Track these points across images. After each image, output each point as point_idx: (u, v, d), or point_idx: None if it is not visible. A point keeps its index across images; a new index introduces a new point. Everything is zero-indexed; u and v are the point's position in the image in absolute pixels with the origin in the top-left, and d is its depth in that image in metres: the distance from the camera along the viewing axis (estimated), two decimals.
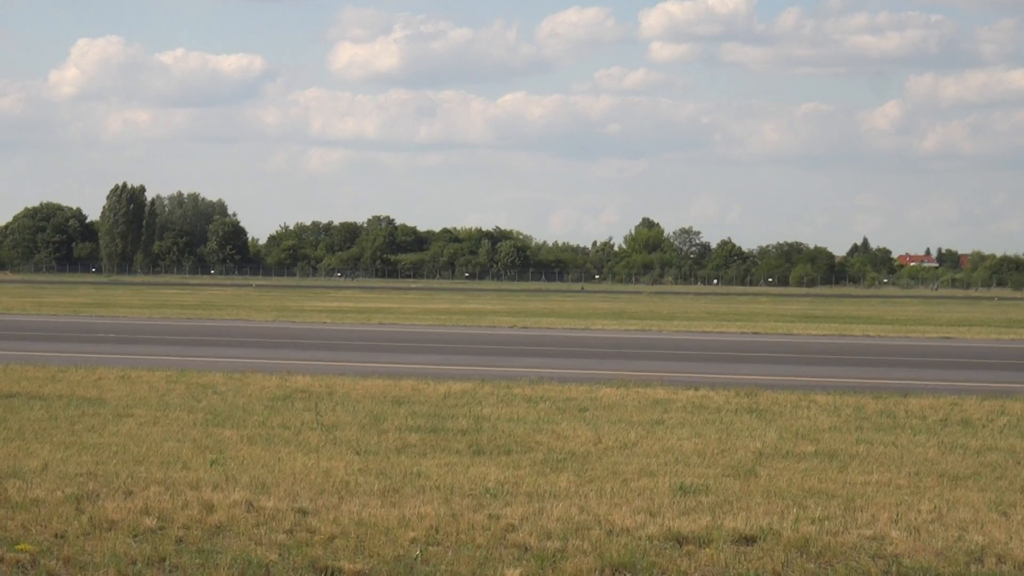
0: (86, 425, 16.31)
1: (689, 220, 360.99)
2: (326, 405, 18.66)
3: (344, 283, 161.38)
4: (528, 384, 21.87)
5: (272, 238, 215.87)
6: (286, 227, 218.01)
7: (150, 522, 10.67)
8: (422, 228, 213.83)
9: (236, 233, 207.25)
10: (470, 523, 10.84)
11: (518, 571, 9.57)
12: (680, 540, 10.42)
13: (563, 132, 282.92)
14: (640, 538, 10.47)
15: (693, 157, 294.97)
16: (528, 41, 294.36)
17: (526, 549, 10.13)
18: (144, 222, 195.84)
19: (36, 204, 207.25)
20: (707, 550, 10.14)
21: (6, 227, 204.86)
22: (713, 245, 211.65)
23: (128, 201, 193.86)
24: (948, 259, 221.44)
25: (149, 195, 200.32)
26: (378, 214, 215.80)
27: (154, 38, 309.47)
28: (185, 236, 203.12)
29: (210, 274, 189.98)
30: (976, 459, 14.89)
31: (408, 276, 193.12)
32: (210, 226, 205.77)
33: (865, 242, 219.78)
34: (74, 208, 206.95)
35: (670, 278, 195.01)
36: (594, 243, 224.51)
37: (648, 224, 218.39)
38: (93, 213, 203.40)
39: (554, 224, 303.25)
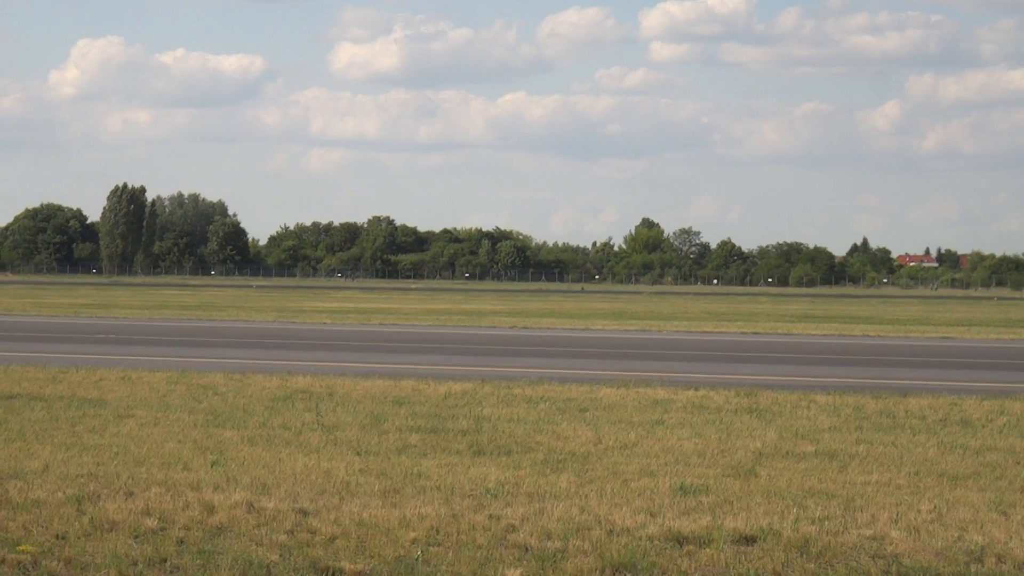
0: (87, 426, 16.33)
1: (689, 220, 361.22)
2: (327, 406, 18.68)
3: (344, 283, 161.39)
4: (528, 384, 21.89)
5: (272, 239, 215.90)
6: (286, 227, 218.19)
7: (151, 523, 10.69)
8: (422, 228, 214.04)
9: (236, 234, 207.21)
10: (471, 523, 10.86)
11: (519, 571, 9.58)
12: (680, 540, 10.44)
13: (563, 132, 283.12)
14: (640, 538, 10.48)
15: (693, 157, 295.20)
16: (528, 41, 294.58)
17: (527, 549, 10.15)
18: (144, 223, 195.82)
19: (36, 205, 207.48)
20: (707, 550, 10.16)
21: (6, 228, 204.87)
22: (713, 245, 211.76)
23: (128, 202, 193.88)
24: (948, 259, 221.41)
25: (149, 196, 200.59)
26: (378, 214, 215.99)
27: (154, 38, 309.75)
28: (185, 237, 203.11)
29: (210, 275, 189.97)
30: (976, 459, 14.91)
31: (408, 276, 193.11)
32: (210, 227, 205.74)
33: (865, 242, 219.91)
34: (74, 209, 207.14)
35: (670, 278, 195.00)
36: (594, 243, 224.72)
37: (648, 224, 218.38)
38: (93, 214, 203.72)
39: (554, 224, 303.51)
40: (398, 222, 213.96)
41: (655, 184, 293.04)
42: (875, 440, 16.21)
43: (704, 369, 27.45)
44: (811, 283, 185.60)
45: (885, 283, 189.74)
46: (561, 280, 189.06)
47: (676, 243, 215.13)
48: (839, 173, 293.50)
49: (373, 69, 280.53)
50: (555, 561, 9.84)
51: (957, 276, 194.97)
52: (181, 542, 10.22)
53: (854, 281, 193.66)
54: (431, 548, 10.13)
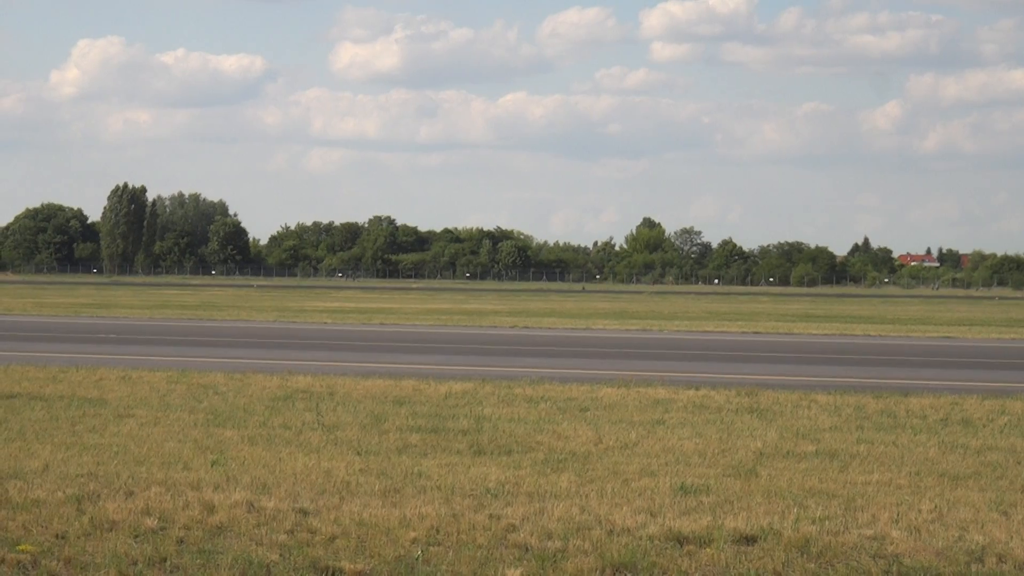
0: (87, 426, 16.32)
1: (690, 220, 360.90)
2: (327, 405, 18.67)
3: (345, 283, 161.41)
4: (529, 384, 21.88)
5: (273, 238, 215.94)
6: (287, 227, 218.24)
7: (151, 523, 10.68)
8: (423, 228, 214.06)
9: (237, 233, 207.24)
10: (471, 523, 10.85)
11: (519, 571, 9.57)
12: (681, 540, 10.43)
13: (564, 132, 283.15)
14: (641, 538, 10.47)
15: (694, 157, 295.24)
16: (529, 41, 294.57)
17: (527, 549, 10.14)
18: (145, 222, 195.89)
19: (37, 205, 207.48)
20: (708, 550, 10.15)
21: (7, 228, 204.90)
22: (714, 245, 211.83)
23: (129, 201, 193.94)
24: (949, 259, 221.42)
25: (150, 195, 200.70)
26: (379, 214, 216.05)
27: (155, 38, 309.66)
28: (186, 236, 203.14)
29: (211, 274, 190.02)
30: (977, 459, 14.90)
31: (409, 276, 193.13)
32: (211, 226, 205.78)
33: (866, 242, 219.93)
34: (75, 209, 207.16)
35: (671, 278, 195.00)
36: (595, 243, 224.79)
37: (649, 224, 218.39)
38: (94, 214, 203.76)
39: (555, 224, 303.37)
40: (399, 222, 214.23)
41: (656, 184, 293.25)
42: (876, 440, 16.20)
43: (705, 369, 27.44)
44: (812, 283, 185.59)
45: (886, 283, 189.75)
46: (562, 280, 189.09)
47: (677, 243, 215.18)
48: (840, 173, 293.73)
49: (374, 69, 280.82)
50: (555, 561, 9.83)
51: (958, 276, 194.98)
52: (181, 542, 10.21)
53: (855, 281, 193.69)
54: (431, 548, 10.13)
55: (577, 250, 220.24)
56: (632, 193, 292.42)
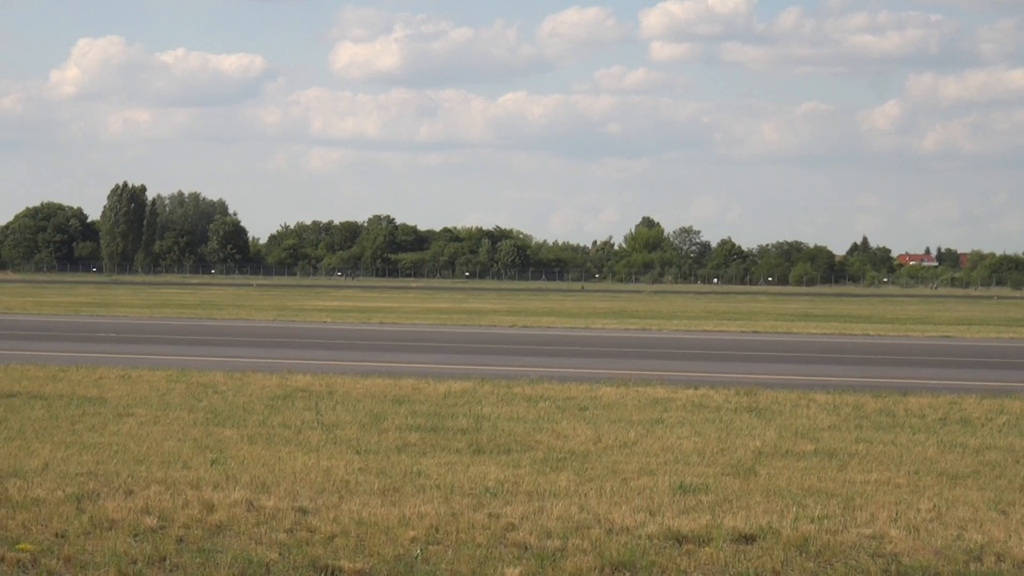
0: (87, 424, 16.33)
1: (689, 219, 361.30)
2: (326, 404, 18.68)
3: (345, 282, 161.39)
4: (528, 383, 21.89)
5: (273, 237, 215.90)
6: (287, 227, 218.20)
7: (151, 521, 10.69)
8: (422, 227, 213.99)
9: (237, 232, 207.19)
10: (470, 522, 10.86)
11: (518, 570, 9.59)
12: (680, 539, 10.44)
13: (563, 132, 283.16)
14: (640, 537, 10.48)
15: (693, 156, 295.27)
16: (528, 41, 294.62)
17: (526, 548, 10.15)
18: (145, 222, 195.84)
19: (37, 204, 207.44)
20: (707, 549, 10.16)
21: (7, 227, 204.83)
22: (713, 244, 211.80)
23: (129, 201, 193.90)
24: (948, 258, 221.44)
25: (150, 195, 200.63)
26: (378, 213, 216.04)
27: (155, 38, 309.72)
28: (186, 236, 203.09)
29: (211, 274, 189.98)
30: (975, 458, 14.91)
31: (408, 275, 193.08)
32: (211, 226, 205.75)
33: (865, 241, 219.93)
34: (75, 208, 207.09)
35: (670, 277, 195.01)
36: (594, 242, 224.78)
37: (648, 223, 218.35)
38: (94, 213, 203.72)
39: (554, 223, 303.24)
40: (398, 221, 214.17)
41: (655, 183, 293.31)
42: (875, 439, 16.21)
43: (704, 368, 27.45)
44: (811, 282, 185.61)
45: (885, 282, 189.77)
46: (561, 279, 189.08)
47: (676, 242, 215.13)
48: (839, 172, 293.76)
49: (373, 69, 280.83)
50: (554, 560, 9.84)
51: (957, 275, 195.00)
52: (181, 540, 10.22)
53: (854, 280, 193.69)
54: (430, 547, 10.14)
55: (576, 249, 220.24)
56: (631, 193, 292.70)
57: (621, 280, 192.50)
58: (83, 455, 13.93)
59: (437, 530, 10.60)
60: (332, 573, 9.51)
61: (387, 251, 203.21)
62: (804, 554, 10.13)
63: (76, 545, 10.02)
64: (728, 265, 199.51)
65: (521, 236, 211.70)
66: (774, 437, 16.17)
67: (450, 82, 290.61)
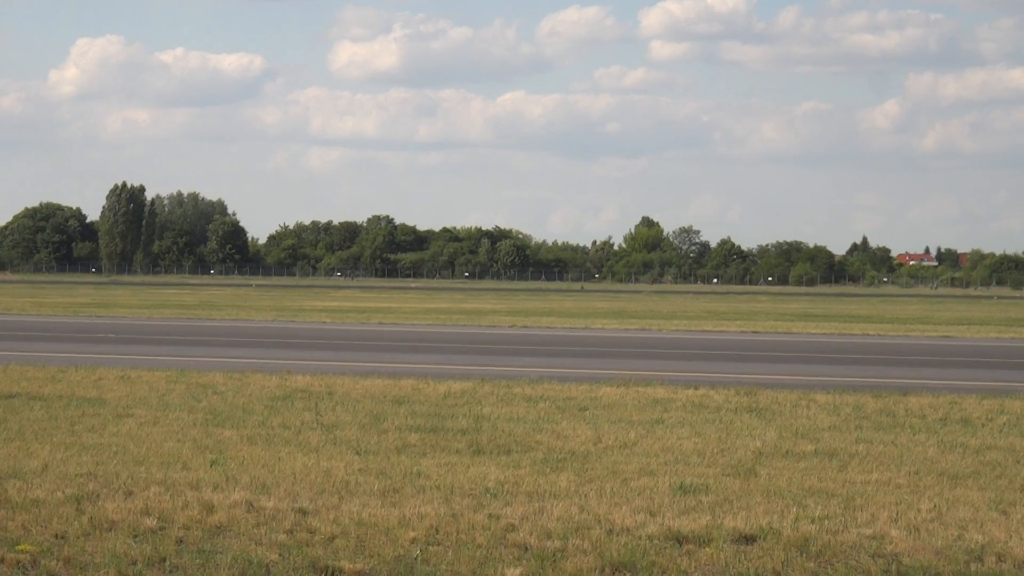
0: (86, 425, 16.32)
1: (689, 219, 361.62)
2: (326, 405, 18.67)
3: (344, 283, 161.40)
4: (528, 383, 21.88)
5: (272, 238, 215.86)
6: (286, 227, 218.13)
7: (150, 522, 10.68)
8: (422, 227, 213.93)
9: (236, 233, 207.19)
10: (470, 523, 10.85)
11: (518, 570, 9.57)
12: (680, 539, 10.43)
13: (563, 131, 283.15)
14: (640, 537, 10.47)
15: (693, 156, 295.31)
16: (528, 40, 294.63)
17: (526, 549, 10.14)
18: (144, 222, 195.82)
19: (36, 204, 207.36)
20: (707, 549, 10.15)
21: (6, 227, 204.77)
22: (713, 244, 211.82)
23: (128, 201, 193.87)
24: (948, 258, 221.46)
25: (149, 195, 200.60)
26: (378, 213, 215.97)
27: (154, 37, 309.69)
28: (185, 236, 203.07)
29: (210, 274, 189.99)
30: (976, 458, 14.90)
31: (408, 275, 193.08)
32: (210, 226, 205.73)
33: (865, 241, 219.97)
34: (74, 208, 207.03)
35: (670, 277, 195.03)
36: (594, 242, 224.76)
37: (648, 223, 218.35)
38: (93, 213, 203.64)
39: (554, 223, 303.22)
40: (398, 221, 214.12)
41: (655, 183, 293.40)
42: (875, 439, 16.20)
43: (704, 368, 27.44)
44: (811, 282, 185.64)
45: (885, 282, 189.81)
46: (561, 279, 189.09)
47: (676, 242, 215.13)
48: (839, 172, 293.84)
49: (373, 68, 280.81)
50: (555, 560, 9.83)
51: (957, 275, 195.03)
52: (180, 541, 10.21)
53: (854, 280, 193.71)
54: (430, 547, 10.13)
55: (576, 249, 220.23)
56: (631, 192, 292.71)
57: (621, 280, 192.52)
58: (82, 456, 13.92)
59: (437, 531, 10.59)
60: (332, 574, 9.50)
61: (386, 251, 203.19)
62: (804, 554, 10.12)
63: (76, 546, 10.00)
64: (728, 265, 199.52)
65: (521, 236, 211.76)
66: (774, 437, 16.16)
67: (449, 82, 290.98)
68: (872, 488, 12.89)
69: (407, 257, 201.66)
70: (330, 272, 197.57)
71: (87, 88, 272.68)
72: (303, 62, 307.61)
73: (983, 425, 17.76)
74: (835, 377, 25.29)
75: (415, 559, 9.79)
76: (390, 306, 68.36)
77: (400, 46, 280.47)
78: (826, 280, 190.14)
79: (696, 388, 21.50)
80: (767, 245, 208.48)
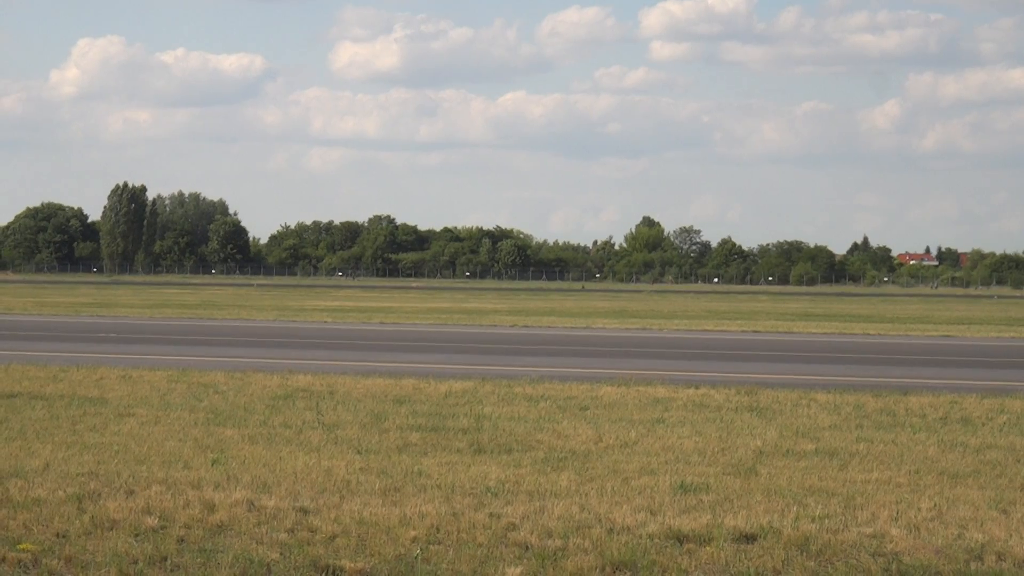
0: (88, 425, 16.34)
1: (689, 219, 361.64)
2: (327, 404, 18.69)
3: (345, 282, 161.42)
4: (529, 383, 21.89)
5: (273, 237, 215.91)
6: (287, 226, 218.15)
7: (152, 521, 10.69)
8: (423, 227, 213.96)
9: (237, 233, 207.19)
10: (471, 522, 10.86)
11: (519, 569, 9.59)
12: (681, 538, 10.44)
13: (563, 131, 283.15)
14: (641, 536, 10.49)
15: (693, 156, 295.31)
16: (528, 40, 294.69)
17: (527, 548, 10.15)
18: (145, 222, 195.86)
19: (37, 204, 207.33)
20: (708, 548, 10.17)
21: (7, 227, 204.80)
22: (713, 244, 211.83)
23: (129, 201, 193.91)
24: (948, 257, 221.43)
25: (150, 195, 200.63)
26: (379, 213, 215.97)
27: (155, 38, 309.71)
28: (186, 236, 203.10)
29: (211, 274, 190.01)
30: (976, 457, 14.91)
31: (409, 275, 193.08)
32: (211, 226, 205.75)
33: (865, 241, 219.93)
34: (75, 208, 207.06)
35: (670, 277, 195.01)
36: (595, 242, 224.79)
37: (649, 223, 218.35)
38: (94, 213, 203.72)
39: (555, 223, 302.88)
40: (399, 221, 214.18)
41: (655, 183, 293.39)
42: (875, 438, 16.21)
43: (704, 367, 27.45)
44: (811, 282, 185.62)
45: (885, 281, 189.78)
46: (562, 279, 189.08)
47: (677, 242, 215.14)
48: (839, 172, 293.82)
49: (373, 68, 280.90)
50: (555, 559, 9.85)
51: (957, 275, 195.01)
52: (182, 540, 10.23)
53: (854, 280, 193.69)
54: (431, 546, 10.14)
55: (577, 249, 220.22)
56: (632, 192, 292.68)
57: (621, 280, 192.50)
58: (84, 455, 13.94)
59: (438, 530, 10.61)
60: (333, 573, 9.52)
61: (387, 251, 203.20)
62: (805, 553, 10.14)
63: (77, 545, 10.02)
64: (728, 265, 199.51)
65: (521, 236, 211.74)
66: (775, 436, 16.17)
67: (450, 82, 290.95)
68: (872, 487, 12.90)
69: (408, 257, 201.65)
70: (331, 272, 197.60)
71: (88, 88, 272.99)
72: (304, 62, 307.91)
73: (983, 424, 17.78)
74: (835, 376, 25.30)
75: (416, 558, 9.80)
76: (391, 306, 68.38)
77: (401, 46, 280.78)
78: (827, 280, 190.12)
79: (697, 387, 21.51)
80: (768, 245, 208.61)
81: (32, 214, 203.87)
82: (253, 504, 11.37)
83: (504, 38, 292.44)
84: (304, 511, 11.18)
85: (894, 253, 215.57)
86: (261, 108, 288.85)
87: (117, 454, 14.05)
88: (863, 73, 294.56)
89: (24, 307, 58.23)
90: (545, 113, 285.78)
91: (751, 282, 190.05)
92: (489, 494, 12.11)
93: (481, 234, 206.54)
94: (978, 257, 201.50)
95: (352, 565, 9.58)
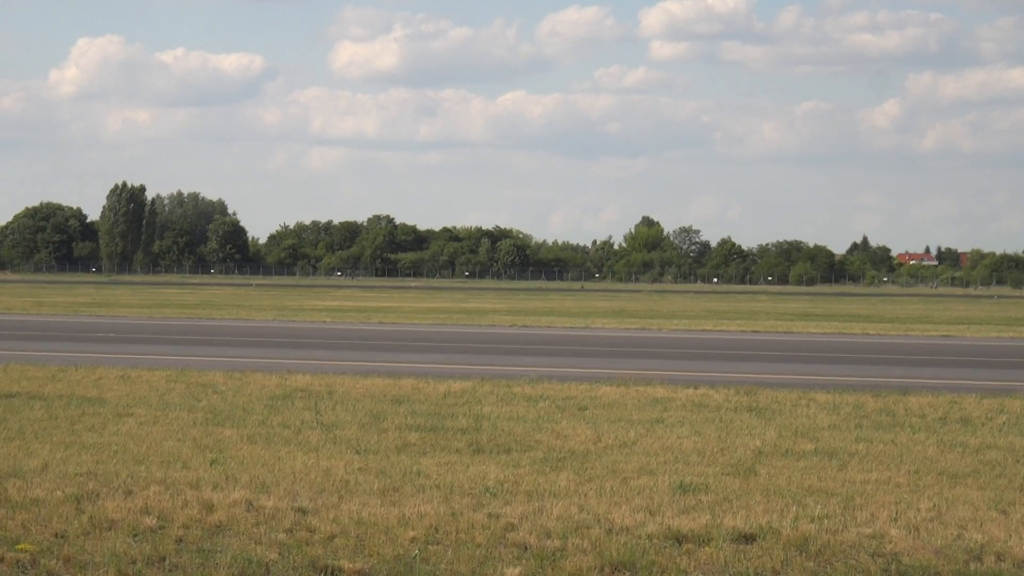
0: (86, 425, 16.32)
1: (689, 219, 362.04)
2: (326, 404, 18.68)
3: (344, 282, 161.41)
4: (528, 383, 21.88)
5: (272, 237, 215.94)
6: (286, 226, 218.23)
7: (150, 521, 10.68)
8: (422, 227, 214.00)
9: (236, 232, 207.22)
10: (470, 522, 10.85)
11: (518, 570, 9.58)
12: (680, 539, 10.43)
13: (563, 131, 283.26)
14: (640, 537, 10.48)
15: (693, 156, 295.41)
16: (528, 40, 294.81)
17: (526, 548, 10.14)
18: (144, 221, 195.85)
19: (36, 204, 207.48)
20: (707, 548, 10.16)
21: (6, 227, 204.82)
22: (713, 244, 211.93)
23: (128, 201, 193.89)
24: (948, 257, 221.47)
25: (149, 194, 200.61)
26: (378, 213, 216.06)
27: (154, 37, 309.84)
28: (185, 235, 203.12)
29: (210, 273, 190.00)
30: (975, 457, 14.90)
31: (408, 275, 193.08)
32: (210, 225, 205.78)
33: (865, 240, 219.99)
34: (74, 208, 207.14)
35: (670, 277, 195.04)
36: (594, 242, 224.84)
37: (648, 223, 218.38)
38: (93, 213, 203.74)
39: (554, 223, 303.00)
40: (398, 221, 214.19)
41: (655, 183, 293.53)
42: (875, 438, 16.20)
43: (704, 367, 27.45)
44: (811, 281, 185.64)
45: (885, 281, 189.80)
46: (561, 278, 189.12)
47: (676, 242, 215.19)
48: (839, 172, 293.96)
49: (373, 68, 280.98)
50: (554, 560, 9.84)
51: (957, 274, 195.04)
52: (180, 540, 10.22)
53: (854, 279, 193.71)
54: (430, 547, 10.13)
55: (576, 249, 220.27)
56: (631, 192, 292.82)
57: (621, 279, 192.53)
58: (82, 455, 13.92)
59: (437, 530, 10.60)
60: (332, 573, 9.50)
61: (387, 251, 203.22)
62: (804, 554, 10.13)
63: (76, 545, 10.01)
64: (728, 264, 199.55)
65: (521, 236, 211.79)
66: (774, 436, 16.16)
67: (449, 81, 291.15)
68: (872, 487, 12.89)
69: (407, 257, 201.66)
70: (330, 272, 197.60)
71: (87, 88, 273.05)
72: (303, 62, 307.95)
73: (983, 424, 17.77)
74: (835, 376, 25.29)
75: (414, 558, 9.79)
76: (390, 305, 68.37)
77: (400, 46, 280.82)
78: (826, 280, 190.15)
79: (696, 387, 21.51)
80: (767, 245, 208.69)
81: (31, 214, 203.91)
82: (252, 504, 11.36)
83: (504, 38, 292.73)
84: (303, 511, 11.17)
85: (894, 253, 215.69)
86: (260, 108, 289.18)
87: (116, 454, 14.04)
88: (863, 73, 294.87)
89: (23, 307, 58.22)
90: (545, 113, 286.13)
91: (750, 282, 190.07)
92: (488, 494, 12.10)
93: (480, 234, 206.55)
94: (978, 257, 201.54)
95: (351, 565, 9.57)
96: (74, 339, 34.68)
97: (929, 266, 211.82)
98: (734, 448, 15.22)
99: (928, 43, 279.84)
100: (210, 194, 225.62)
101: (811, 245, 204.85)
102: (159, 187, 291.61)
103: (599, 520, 11.01)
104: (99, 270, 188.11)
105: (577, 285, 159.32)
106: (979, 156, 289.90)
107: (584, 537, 10.44)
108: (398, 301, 78.21)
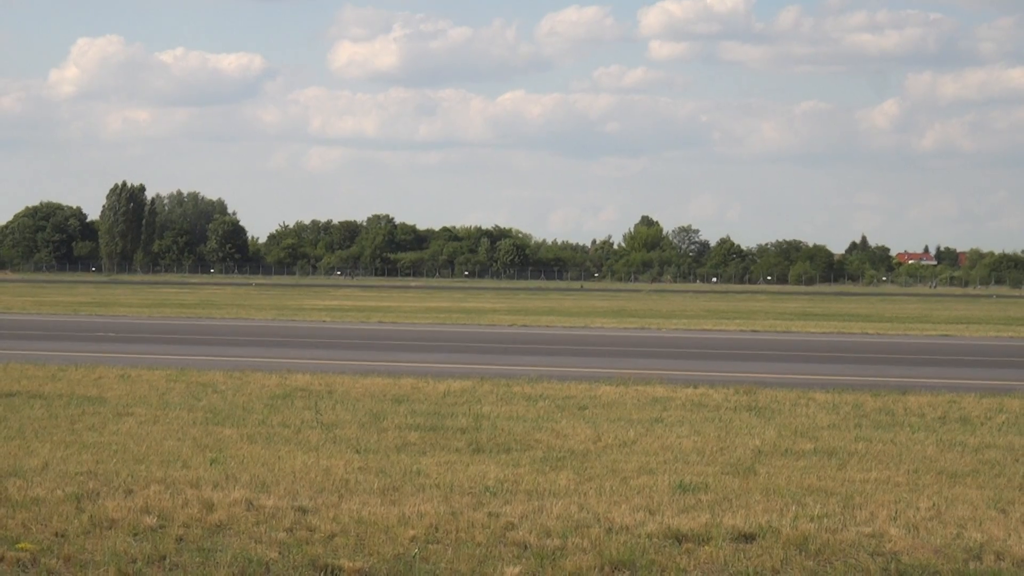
0: (86, 424, 16.33)
1: (688, 218, 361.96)
2: (326, 403, 18.68)
3: (344, 282, 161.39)
4: (527, 382, 21.89)
5: (272, 237, 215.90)
6: (286, 226, 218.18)
7: (150, 521, 10.69)
8: (422, 227, 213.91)
9: (236, 232, 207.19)
10: (470, 521, 10.86)
11: (517, 569, 9.59)
12: (679, 538, 10.44)
13: (562, 130, 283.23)
14: (639, 536, 10.49)
15: (692, 155, 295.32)
16: (527, 40, 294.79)
17: (526, 547, 10.15)
18: (144, 221, 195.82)
19: (36, 203, 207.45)
20: (706, 548, 10.17)
21: (6, 226, 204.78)
22: (712, 243, 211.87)
23: (128, 200, 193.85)
24: (947, 257, 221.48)
25: (149, 194, 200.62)
26: (378, 213, 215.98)
27: (154, 37, 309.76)
28: (185, 235, 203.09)
29: (210, 273, 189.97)
30: (975, 456, 14.91)
31: (408, 275, 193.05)
32: (210, 225, 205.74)
33: (864, 240, 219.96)
34: (74, 207, 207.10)
35: (669, 276, 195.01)
36: (593, 241, 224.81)
37: (647, 222, 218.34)
38: (93, 212, 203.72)
39: (553, 222, 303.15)
40: (397, 220, 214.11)
41: (654, 182, 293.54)
42: (874, 438, 16.22)
43: (703, 367, 27.45)
44: (810, 281, 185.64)
45: (884, 281, 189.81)
46: (560, 278, 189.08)
47: (675, 241, 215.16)
48: (838, 171, 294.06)
49: (372, 68, 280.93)
50: (554, 559, 9.85)
51: (956, 274, 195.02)
52: (180, 540, 10.22)
53: (853, 279, 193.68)
54: (430, 546, 10.14)
55: (575, 248, 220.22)
56: (631, 191, 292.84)
57: (620, 279, 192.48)
58: (83, 454, 13.93)
59: (437, 529, 10.61)
60: (332, 572, 9.51)
61: (386, 250, 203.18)
62: (804, 553, 10.14)
63: (76, 544, 10.02)
64: (727, 264, 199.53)
65: (520, 235, 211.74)
66: (773, 436, 16.17)
67: (449, 81, 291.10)
68: (871, 486, 12.90)
69: (407, 256, 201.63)
70: (330, 271, 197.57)
71: (87, 88, 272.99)
72: (303, 62, 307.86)
73: (982, 424, 17.78)
74: (834, 376, 25.30)
75: (414, 557, 9.80)
76: (390, 305, 68.38)
77: (400, 46, 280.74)
78: (825, 279, 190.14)
79: (695, 387, 21.51)
80: (766, 244, 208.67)
81: (31, 213, 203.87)
82: (252, 503, 11.37)
83: (503, 37, 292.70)
84: (303, 510, 11.18)
85: (893, 252, 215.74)
86: (260, 107, 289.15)
87: (116, 453, 14.05)
88: (862, 72, 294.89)
89: (23, 306, 58.21)
90: (544, 112, 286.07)
91: (750, 281, 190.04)
92: (488, 493, 12.11)
93: (480, 233, 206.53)
94: (977, 256, 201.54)
95: (351, 564, 9.58)
96: (74, 338, 34.68)
97: (928, 266, 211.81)
98: (733, 447, 15.23)
99: (927, 43, 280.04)
100: (210, 194, 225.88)
101: (810, 245, 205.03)
102: (159, 187, 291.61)
103: (599, 519, 11.02)
104: (99, 269, 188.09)
105: (576, 285, 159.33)
106: (978, 156, 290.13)
107: (584, 536, 10.45)
108: (398, 301, 78.21)
